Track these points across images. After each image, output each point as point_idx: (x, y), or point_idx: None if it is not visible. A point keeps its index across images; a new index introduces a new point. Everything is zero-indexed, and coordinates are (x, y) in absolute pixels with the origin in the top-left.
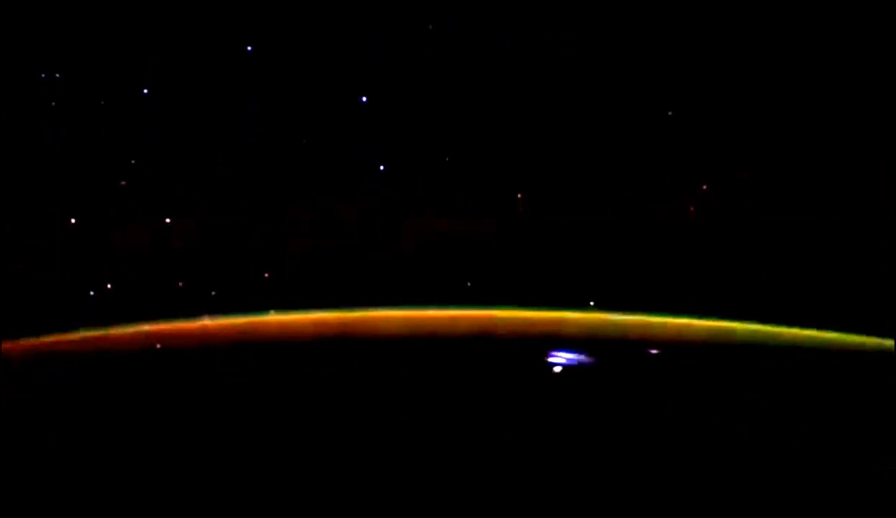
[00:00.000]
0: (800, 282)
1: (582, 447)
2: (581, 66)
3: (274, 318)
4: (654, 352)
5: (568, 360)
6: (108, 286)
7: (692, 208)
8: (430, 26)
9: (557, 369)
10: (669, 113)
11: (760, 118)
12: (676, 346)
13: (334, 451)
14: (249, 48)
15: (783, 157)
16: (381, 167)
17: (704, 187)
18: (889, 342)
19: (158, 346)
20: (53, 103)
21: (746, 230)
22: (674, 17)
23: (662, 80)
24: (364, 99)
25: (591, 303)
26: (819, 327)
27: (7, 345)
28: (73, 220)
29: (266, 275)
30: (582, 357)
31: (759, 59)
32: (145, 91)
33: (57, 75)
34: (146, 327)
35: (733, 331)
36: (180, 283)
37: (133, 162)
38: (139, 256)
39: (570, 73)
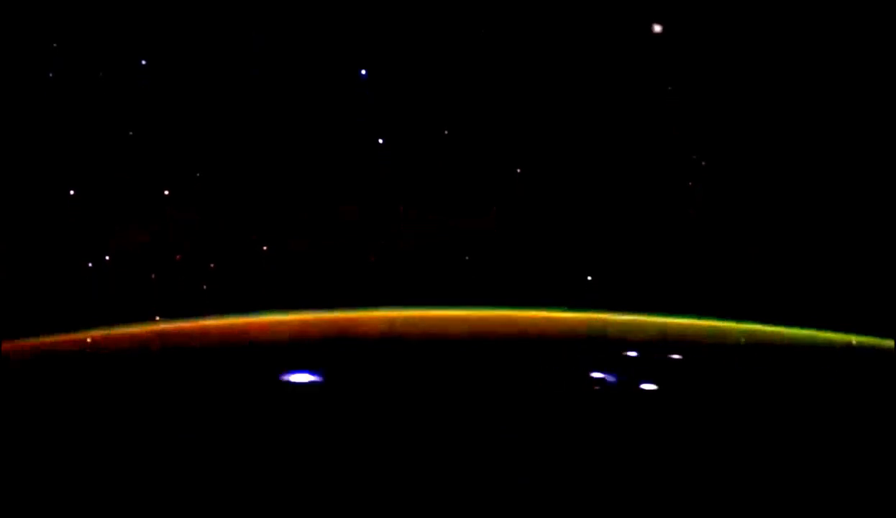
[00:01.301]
0: (800, 282)
1: (582, 447)
2: (579, 58)
3: (272, 318)
4: (655, 352)
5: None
6: (107, 258)
7: (692, 210)
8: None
9: (557, 371)
10: (669, 88)
11: (760, 117)
12: (676, 346)
13: (333, 450)
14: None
15: (783, 156)
16: (380, 140)
17: (703, 164)
18: (889, 342)
19: (158, 346)
20: (50, 74)
21: (746, 230)
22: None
23: (664, 76)
24: (364, 72)
25: (589, 278)
26: (819, 327)
27: (7, 345)
28: (71, 192)
29: (264, 248)
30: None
31: (760, 56)
32: (143, 62)
33: (54, 45)
34: (146, 327)
35: (733, 331)
36: (178, 256)
37: (131, 134)
38: (137, 231)
39: (568, 66)
